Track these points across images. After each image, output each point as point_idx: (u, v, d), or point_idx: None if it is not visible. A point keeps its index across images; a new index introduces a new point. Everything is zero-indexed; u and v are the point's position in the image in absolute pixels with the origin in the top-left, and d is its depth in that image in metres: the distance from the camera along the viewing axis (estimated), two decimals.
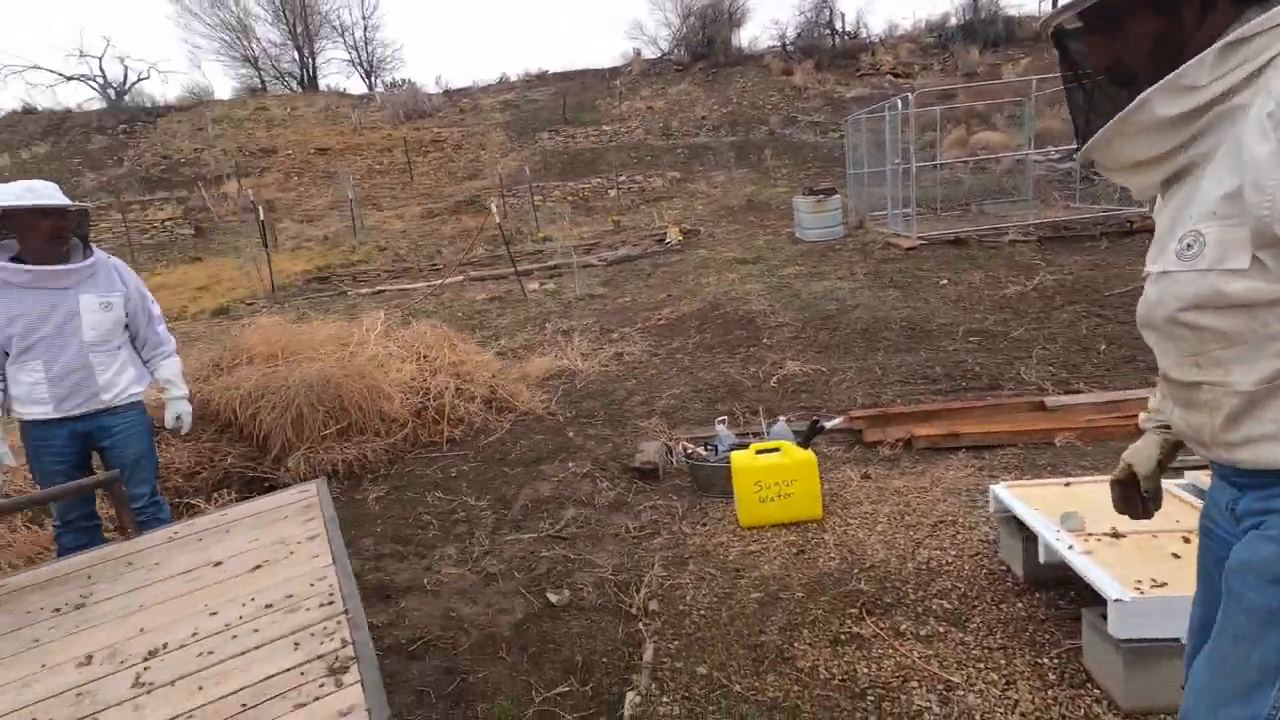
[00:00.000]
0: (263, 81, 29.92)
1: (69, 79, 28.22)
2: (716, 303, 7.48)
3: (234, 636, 1.54)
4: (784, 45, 25.11)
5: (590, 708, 2.12)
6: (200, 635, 1.56)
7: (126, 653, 1.53)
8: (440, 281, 11.05)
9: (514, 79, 27.17)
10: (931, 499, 3.18)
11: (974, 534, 2.81)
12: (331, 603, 1.63)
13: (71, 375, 2.53)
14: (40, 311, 2.47)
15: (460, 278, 11.16)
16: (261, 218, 11.56)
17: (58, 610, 1.76)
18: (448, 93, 26.63)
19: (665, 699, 2.06)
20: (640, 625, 2.48)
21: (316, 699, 1.31)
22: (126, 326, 2.73)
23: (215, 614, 1.64)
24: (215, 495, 3.63)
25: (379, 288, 11.21)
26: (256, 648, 1.48)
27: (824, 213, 10.56)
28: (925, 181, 11.52)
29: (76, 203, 2.58)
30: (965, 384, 4.67)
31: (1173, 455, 1.28)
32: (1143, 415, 1.35)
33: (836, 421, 3.68)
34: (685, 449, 3.71)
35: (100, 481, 2.29)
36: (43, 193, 2.43)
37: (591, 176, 18.26)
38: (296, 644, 1.48)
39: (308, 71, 30.34)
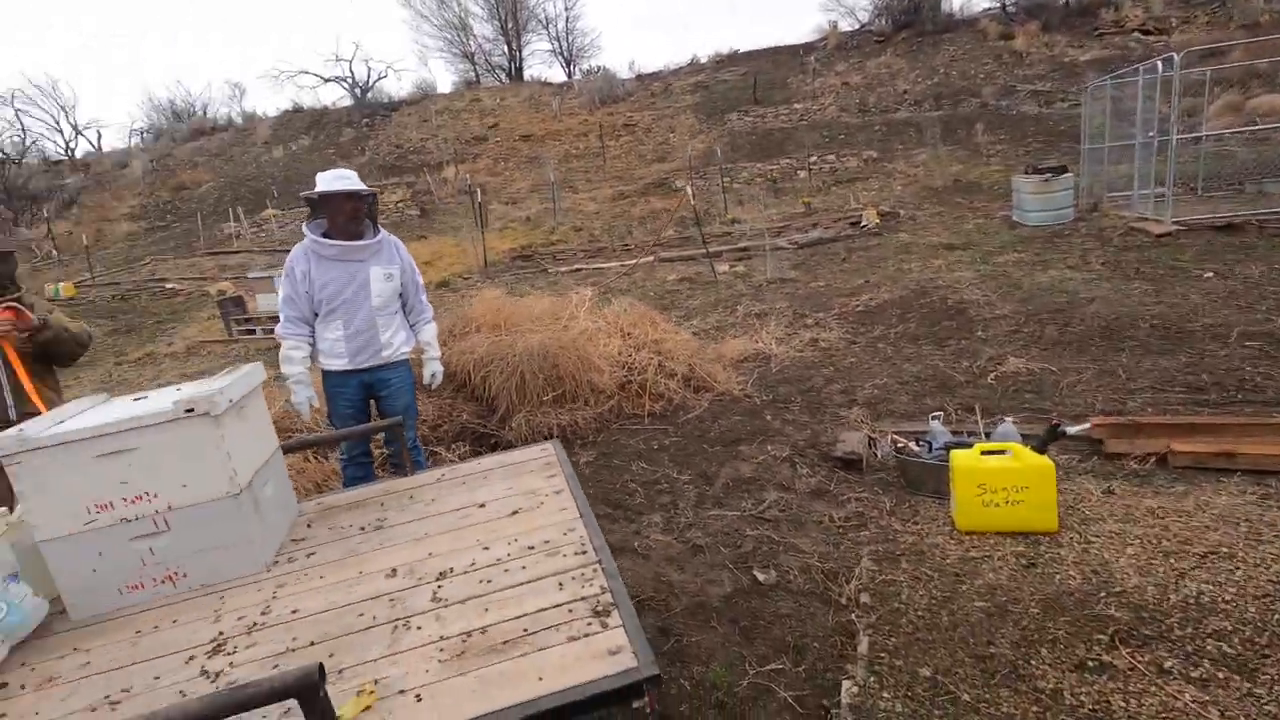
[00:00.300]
0: (477, 75, 32.81)
1: (326, 81, 33.06)
2: (921, 290, 6.99)
3: (506, 570, 1.74)
4: (1004, 6, 22.56)
5: (804, 689, 2.13)
6: (478, 565, 1.79)
7: (422, 571, 1.80)
8: (633, 261, 11.49)
9: (704, 60, 27.21)
10: (1198, 525, 2.75)
11: (1260, 572, 2.39)
12: (585, 552, 1.78)
13: (362, 334, 3.00)
14: (343, 280, 2.95)
15: (651, 258, 11.51)
16: (479, 200, 12.72)
17: (363, 529, 2.11)
18: (639, 77, 27.36)
19: (885, 694, 2.02)
20: (852, 616, 2.43)
21: (585, 635, 1.45)
22: (400, 294, 3.18)
23: (487, 549, 1.87)
24: (453, 446, 4.12)
25: (575, 266, 11.92)
26: (527, 582, 1.67)
27: (1051, 193, 9.39)
28: (1183, 156, 9.81)
29: (370, 187, 3.03)
30: (1242, 396, 3.95)
31: None
32: None
33: (1082, 428, 3.29)
34: (894, 442, 3.55)
35: (386, 425, 2.70)
36: (350, 179, 2.89)
37: (781, 157, 17.85)
38: (560, 584, 1.64)
39: (515, 64, 32.76)
